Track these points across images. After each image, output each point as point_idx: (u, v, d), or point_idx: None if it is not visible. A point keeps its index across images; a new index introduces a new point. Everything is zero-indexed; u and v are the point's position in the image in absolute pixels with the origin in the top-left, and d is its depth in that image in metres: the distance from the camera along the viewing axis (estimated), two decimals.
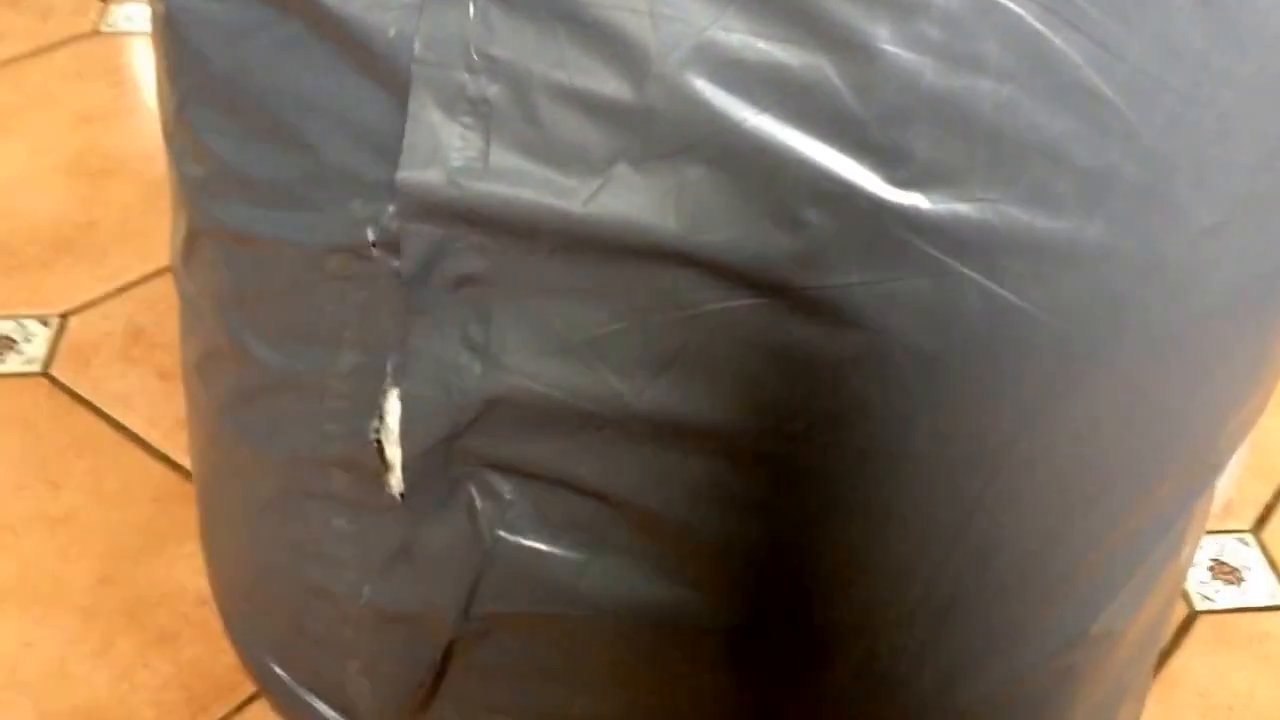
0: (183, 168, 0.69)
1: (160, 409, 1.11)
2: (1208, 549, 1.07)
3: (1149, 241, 0.56)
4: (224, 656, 0.91)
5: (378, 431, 0.65)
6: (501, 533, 0.65)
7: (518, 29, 0.54)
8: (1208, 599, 1.03)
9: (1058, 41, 0.52)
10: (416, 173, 0.57)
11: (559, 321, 0.58)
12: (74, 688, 0.91)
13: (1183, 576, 0.80)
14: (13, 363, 1.15)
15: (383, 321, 0.62)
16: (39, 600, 0.96)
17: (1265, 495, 1.12)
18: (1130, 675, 0.80)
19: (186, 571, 0.98)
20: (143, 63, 1.56)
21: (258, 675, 0.86)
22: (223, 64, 0.63)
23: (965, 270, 0.54)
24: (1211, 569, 1.06)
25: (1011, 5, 0.51)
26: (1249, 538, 1.08)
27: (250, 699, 0.90)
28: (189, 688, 0.91)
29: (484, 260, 0.58)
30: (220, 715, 0.90)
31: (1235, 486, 1.09)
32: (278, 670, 0.82)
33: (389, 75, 0.57)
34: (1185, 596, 1.03)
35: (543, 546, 0.65)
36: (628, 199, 0.55)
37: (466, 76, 0.55)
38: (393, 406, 0.63)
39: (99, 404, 1.12)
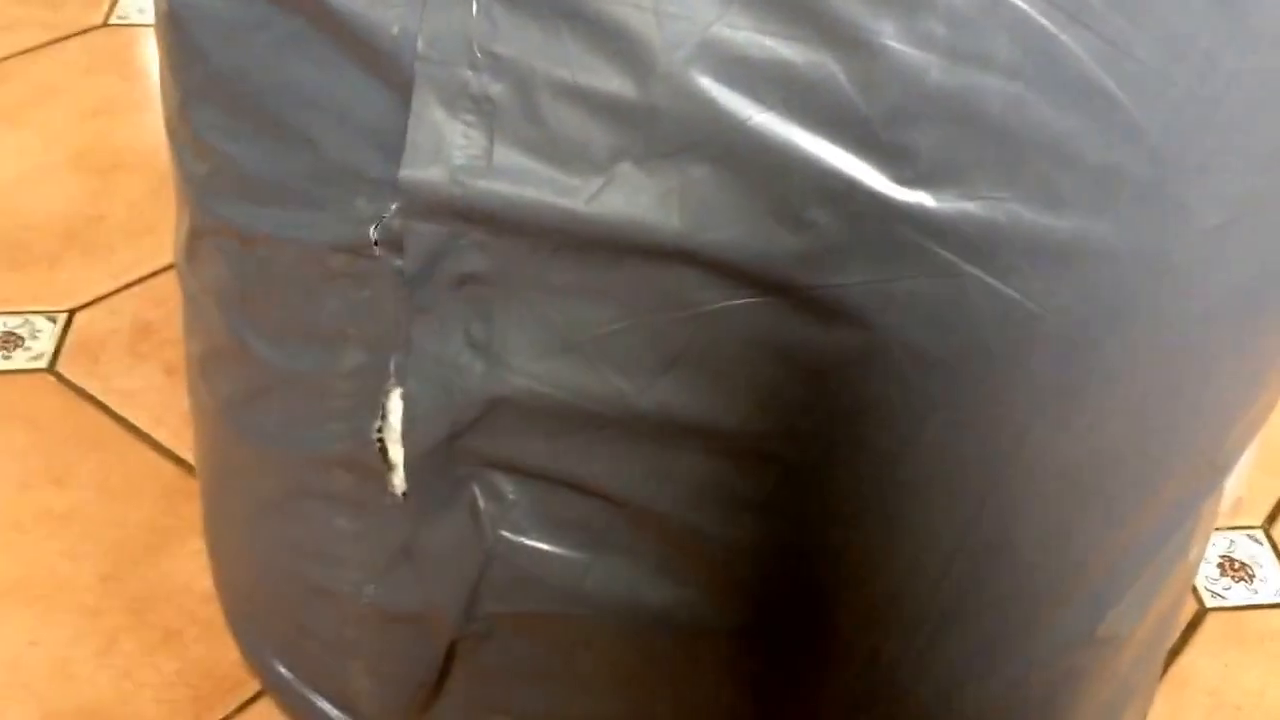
0: (185, 165, 0.69)
1: (167, 405, 1.11)
2: (1218, 545, 1.06)
3: (1156, 240, 0.55)
4: (229, 655, 0.91)
5: (380, 431, 0.65)
6: (504, 532, 0.65)
7: (521, 26, 0.54)
8: (1218, 596, 1.02)
9: (1065, 39, 0.51)
10: (419, 171, 0.57)
11: (562, 320, 0.58)
12: (78, 686, 0.91)
13: (1191, 578, 0.79)
14: (19, 359, 1.15)
15: (385, 320, 0.62)
16: (43, 598, 0.96)
17: (1277, 491, 1.11)
18: (1137, 676, 0.79)
19: (192, 569, 0.97)
20: (154, 55, 1.54)
21: (262, 674, 0.86)
22: (225, 61, 0.63)
23: (971, 269, 0.54)
24: (1222, 566, 1.05)
25: (1018, 2, 0.51)
26: (1260, 534, 1.07)
27: (254, 697, 0.90)
28: (193, 686, 0.91)
29: (487, 259, 0.58)
30: (224, 714, 0.90)
31: (1245, 484, 1.08)
32: (281, 669, 0.82)
33: (392, 73, 0.57)
34: (1195, 593, 1.02)
35: (545, 546, 0.65)
36: (631, 197, 0.54)
37: (469, 74, 0.55)
38: (395, 406, 0.63)
39: (105, 400, 1.11)
